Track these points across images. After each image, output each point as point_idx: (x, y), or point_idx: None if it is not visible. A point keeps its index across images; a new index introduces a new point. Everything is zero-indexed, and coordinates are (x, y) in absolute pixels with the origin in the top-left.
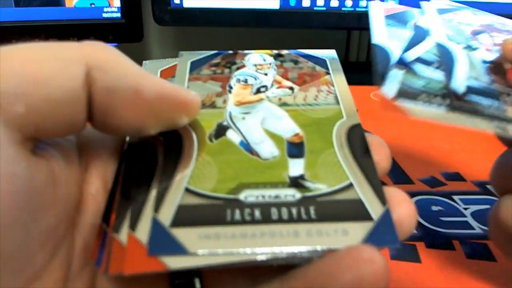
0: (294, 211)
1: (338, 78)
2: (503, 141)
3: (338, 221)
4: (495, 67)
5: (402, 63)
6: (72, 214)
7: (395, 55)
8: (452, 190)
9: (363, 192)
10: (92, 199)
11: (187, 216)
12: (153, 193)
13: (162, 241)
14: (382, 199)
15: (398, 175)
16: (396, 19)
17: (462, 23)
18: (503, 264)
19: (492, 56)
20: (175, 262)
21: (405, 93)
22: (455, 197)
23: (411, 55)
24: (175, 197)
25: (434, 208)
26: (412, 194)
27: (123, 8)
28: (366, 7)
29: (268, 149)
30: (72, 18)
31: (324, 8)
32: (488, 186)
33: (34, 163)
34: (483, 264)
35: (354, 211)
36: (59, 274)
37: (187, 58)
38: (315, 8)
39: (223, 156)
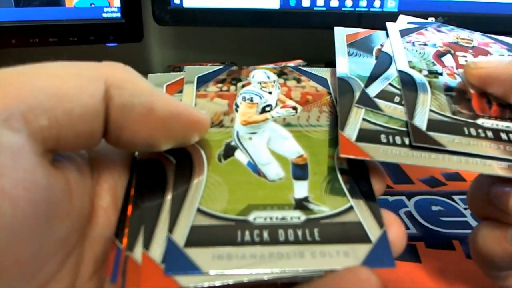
0: (299, 232)
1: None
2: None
3: (340, 243)
4: (459, 95)
5: (363, 101)
6: (83, 225)
7: (357, 90)
8: (452, 190)
9: (363, 215)
10: (103, 212)
11: (200, 237)
12: (165, 212)
13: (177, 261)
14: (380, 221)
15: (398, 175)
16: (360, 45)
17: (427, 44)
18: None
19: (455, 82)
20: (188, 281)
21: (365, 135)
22: (455, 197)
23: (373, 89)
24: (188, 218)
25: (434, 208)
26: (412, 194)
27: (123, 8)
28: (367, 7)
29: (274, 171)
30: (72, 18)
31: (324, 8)
32: None
33: (52, 173)
34: None
35: (355, 234)
36: (67, 282)
37: (193, 73)
38: (315, 8)
39: (233, 177)
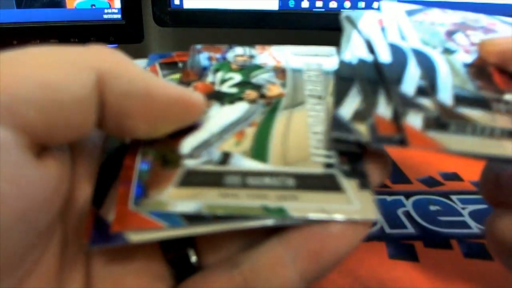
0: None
1: None
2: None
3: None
4: (478, 71)
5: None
6: (65, 207)
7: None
8: (450, 189)
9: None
10: (81, 186)
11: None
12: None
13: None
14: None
15: (396, 175)
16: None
17: (435, 23)
18: (500, 263)
19: (472, 58)
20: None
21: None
22: (453, 197)
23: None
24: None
25: (432, 207)
26: (410, 194)
27: (124, 9)
28: (365, 8)
29: None
30: (73, 20)
31: (323, 10)
32: None
33: (40, 166)
34: (480, 263)
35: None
36: (54, 264)
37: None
38: (314, 10)
39: None
